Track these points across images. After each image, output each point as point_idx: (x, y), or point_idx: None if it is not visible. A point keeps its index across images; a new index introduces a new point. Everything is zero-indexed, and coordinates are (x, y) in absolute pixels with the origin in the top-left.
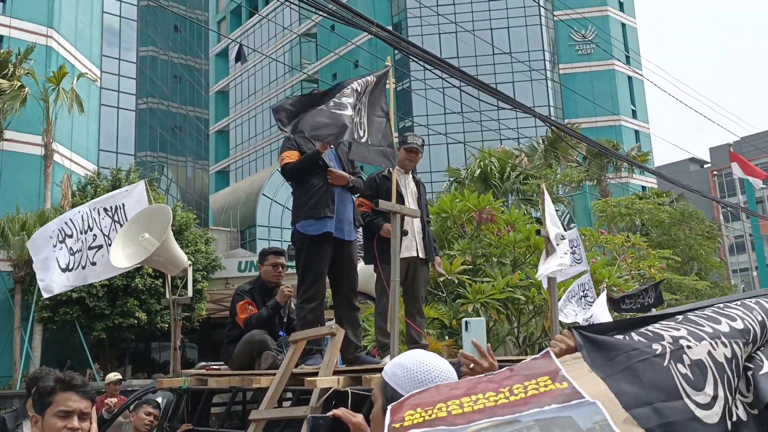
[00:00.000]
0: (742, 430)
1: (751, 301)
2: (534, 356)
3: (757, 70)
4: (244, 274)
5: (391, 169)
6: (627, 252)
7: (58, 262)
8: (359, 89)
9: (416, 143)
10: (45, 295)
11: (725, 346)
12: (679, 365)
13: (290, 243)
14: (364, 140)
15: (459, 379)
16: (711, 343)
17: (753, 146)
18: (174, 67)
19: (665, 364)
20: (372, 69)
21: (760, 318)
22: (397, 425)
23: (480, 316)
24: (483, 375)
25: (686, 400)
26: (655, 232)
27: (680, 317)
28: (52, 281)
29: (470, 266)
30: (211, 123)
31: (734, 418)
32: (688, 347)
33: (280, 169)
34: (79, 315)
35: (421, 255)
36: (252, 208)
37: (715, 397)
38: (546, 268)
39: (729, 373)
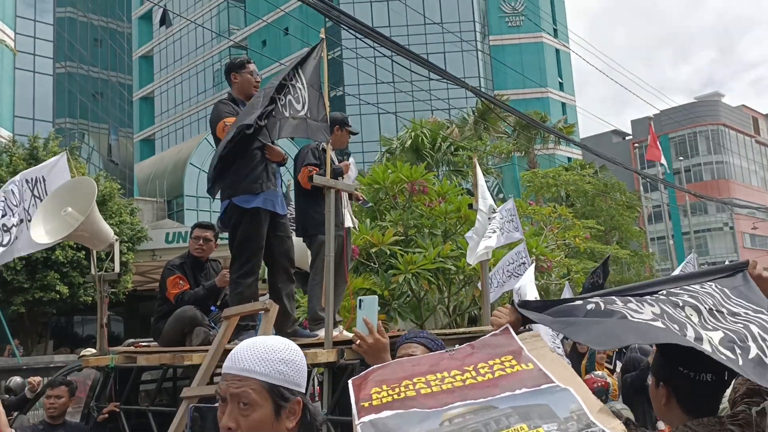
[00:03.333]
0: None
1: (676, 290)
2: (493, 332)
3: (681, 47)
4: (172, 246)
5: (325, 144)
6: (553, 222)
7: None
8: (288, 74)
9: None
10: None
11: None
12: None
13: (220, 216)
14: (302, 114)
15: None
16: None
17: (672, 119)
18: (94, 30)
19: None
20: (302, 36)
21: (684, 298)
22: (366, 404)
23: (412, 286)
24: (444, 351)
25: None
26: (580, 203)
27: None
28: None
29: (402, 237)
30: (135, 89)
31: None
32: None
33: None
34: None
35: (354, 225)
36: (179, 177)
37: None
38: (476, 255)
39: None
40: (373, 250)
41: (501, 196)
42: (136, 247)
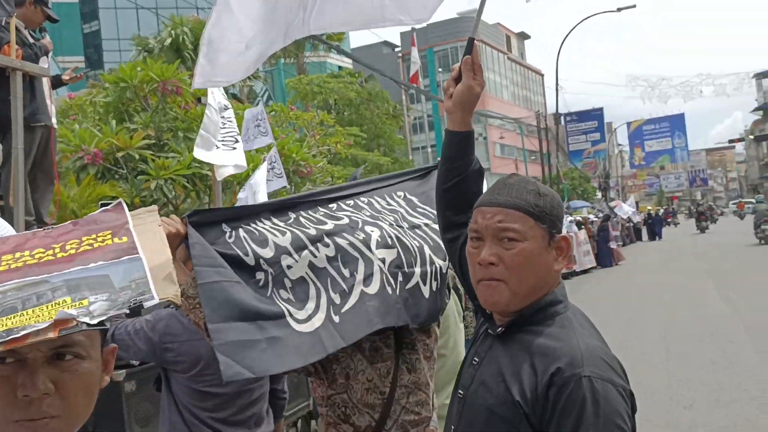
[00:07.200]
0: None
1: (363, 200)
2: (106, 208)
3: None
4: None
5: (8, 18)
6: (316, 129)
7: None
8: None
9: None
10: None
11: (326, 246)
12: (282, 291)
13: None
14: None
15: None
16: (312, 251)
17: (436, 34)
18: None
19: (269, 294)
20: None
21: (368, 214)
22: None
23: (165, 193)
24: (42, 229)
25: (289, 319)
26: (347, 111)
27: (292, 216)
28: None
29: (154, 141)
30: None
31: (336, 320)
32: (288, 267)
33: None
34: None
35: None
36: None
37: (316, 308)
38: (226, 171)
39: (332, 270)
40: (120, 154)
41: (270, 103)
42: None
